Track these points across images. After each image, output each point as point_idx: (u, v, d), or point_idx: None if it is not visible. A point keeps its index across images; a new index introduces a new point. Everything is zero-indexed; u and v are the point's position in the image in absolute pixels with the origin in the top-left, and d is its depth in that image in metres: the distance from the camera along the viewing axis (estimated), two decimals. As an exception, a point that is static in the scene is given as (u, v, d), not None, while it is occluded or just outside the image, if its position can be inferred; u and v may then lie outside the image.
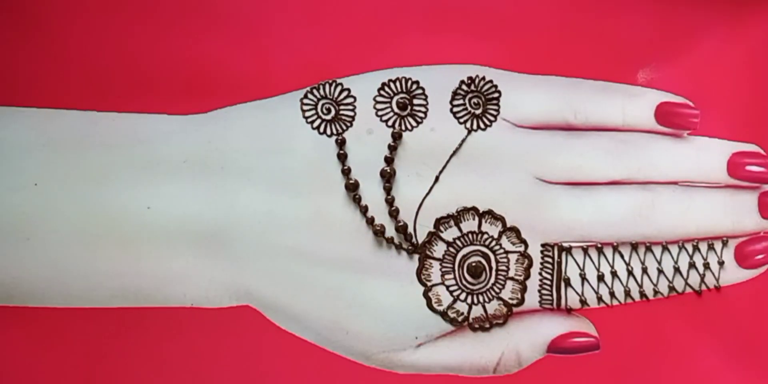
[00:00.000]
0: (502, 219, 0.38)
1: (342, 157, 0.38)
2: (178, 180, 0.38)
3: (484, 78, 0.38)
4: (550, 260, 0.39)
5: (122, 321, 0.37)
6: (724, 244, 0.39)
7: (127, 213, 0.37)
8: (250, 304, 0.38)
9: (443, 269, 0.38)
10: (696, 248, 0.39)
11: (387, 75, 0.38)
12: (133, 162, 0.37)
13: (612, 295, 0.39)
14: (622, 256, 0.39)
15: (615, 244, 0.39)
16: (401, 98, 0.38)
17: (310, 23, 0.38)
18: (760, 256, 0.39)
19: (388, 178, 0.38)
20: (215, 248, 0.37)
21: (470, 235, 0.38)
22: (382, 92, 0.38)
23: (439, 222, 0.38)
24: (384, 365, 0.38)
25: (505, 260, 0.38)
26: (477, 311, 0.38)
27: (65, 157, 0.37)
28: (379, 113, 0.38)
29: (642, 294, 0.39)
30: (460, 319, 0.38)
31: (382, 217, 0.38)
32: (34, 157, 0.37)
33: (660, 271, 0.39)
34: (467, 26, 0.38)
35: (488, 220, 0.38)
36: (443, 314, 0.38)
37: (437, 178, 0.38)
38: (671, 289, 0.39)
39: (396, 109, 0.38)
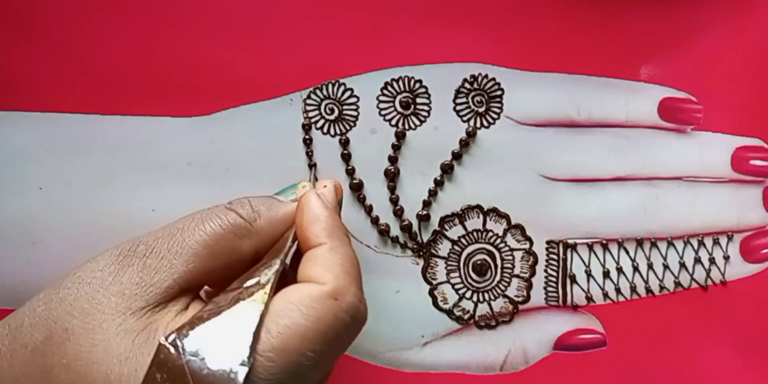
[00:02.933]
0: (506, 216, 0.38)
1: (346, 157, 0.38)
2: (182, 182, 0.38)
3: (486, 76, 0.38)
4: (555, 257, 0.39)
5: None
6: (729, 238, 0.39)
7: (131, 215, 0.37)
8: (257, 304, 0.38)
9: (448, 267, 0.38)
10: (701, 243, 0.39)
11: (390, 74, 0.38)
12: (138, 164, 0.37)
13: (618, 291, 0.39)
14: (627, 252, 0.39)
15: (620, 240, 0.39)
16: (404, 97, 0.38)
17: (312, 24, 0.38)
18: (765, 250, 0.39)
19: (392, 177, 0.38)
20: (221, 249, 0.37)
21: (475, 233, 0.38)
22: (385, 91, 0.38)
23: (444, 220, 0.38)
24: (391, 364, 0.38)
25: (510, 258, 0.39)
26: (483, 309, 0.39)
27: (70, 160, 0.37)
28: (383, 112, 0.38)
29: (648, 290, 0.39)
30: (466, 317, 0.38)
31: (386, 216, 0.38)
32: (39, 161, 0.37)
33: (665, 267, 0.39)
34: (469, 25, 0.38)
35: (493, 218, 0.38)
36: (449, 312, 0.38)
37: (441, 182, 0.38)
38: (677, 284, 0.39)
39: (399, 109, 0.38)
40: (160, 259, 0.29)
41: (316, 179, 0.38)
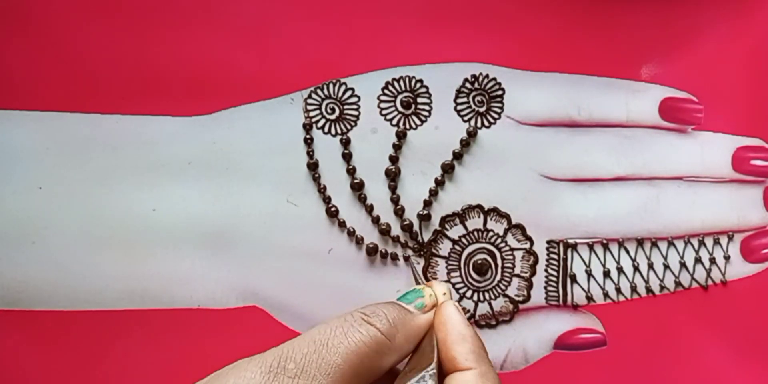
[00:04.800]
0: (507, 216, 0.38)
1: (347, 157, 0.38)
2: (182, 181, 0.37)
3: (487, 76, 0.38)
4: (555, 257, 0.39)
5: (129, 323, 0.37)
6: (730, 238, 0.39)
7: (132, 215, 0.37)
8: (257, 304, 0.38)
9: (449, 267, 0.38)
10: (702, 243, 0.39)
11: (391, 74, 0.38)
12: (138, 164, 0.37)
13: (618, 290, 0.39)
14: (627, 252, 0.39)
15: (620, 239, 0.39)
16: (405, 97, 0.38)
17: (314, 24, 0.38)
18: (766, 250, 0.39)
19: (393, 177, 0.38)
20: (221, 249, 0.37)
21: (476, 233, 0.38)
22: (386, 91, 0.38)
23: (445, 220, 0.38)
24: (391, 363, 0.38)
25: (510, 257, 0.39)
26: (483, 308, 0.39)
27: (69, 160, 0.37)
28: (384, 112, 0.38)
29: (648, 289, 0.39)
30: (466, 316, 0.38)
31: (387, 215, 0.38)
32: (39, 160, 0.37)
33: (666, 267, 0.39)
34: (470, 24, 0.38)
35: (493, 218, 0.38)
36: (450, 312, 0.38)
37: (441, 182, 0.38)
38: (677, 284, 0.39)
39: (400, 108, 0.38)
40: (311, 379, 0.27)
41: (424, 277, 0.38)
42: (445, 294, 0.33)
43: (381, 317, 0.30)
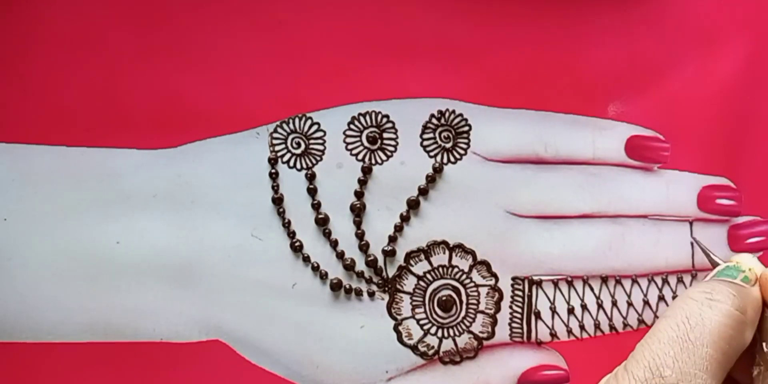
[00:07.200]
0: (472, 253, 0.38)
1: (312, 192, 0.38)
2: (147, 214, 0.37)
3: (454, 112, 0.38)
4: (520, 293, 0.39)
5: (91, 356, 0.37)
6: (693, 277, 0.39)
7: (96, 247, 0.37)
8: (220, 338, 0.38)
9: (414, 303, 0.38)
10: (665, 281, 0.39)
11: (357, 109, 0.38)
12: (103, 196, 0.37)
13: (582, 327, 0.39)
14: (592, 290, 0.39)
15: (585, 277, 0.39)
16: (371, 132, 0.38)
17: (280, 58, 0.38)
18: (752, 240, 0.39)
19: (357, 212, 0.38)
20: (185, 282, 0.37)
21: (441, 269, 0.38)
22: (352, 126, 0.38)
23: (410, 256, 0.38)
24: (355, 398, 0.38)
25: (475, 294, 0.39)
26: (447, 345, 0.39)
27: (35, 191, 0.37)
28: (349, 147, 0.38)
29: (611, 327, 0.39)
30: (430, 352, 0.38)
31: (352, 251, 0.38)
32: (4, 192, 0.37)
33: (629, 304, 0.39)
34: (437, 60, 0.38)
35: (459, 254, 0.38)
36: (414, 348, 0.38)
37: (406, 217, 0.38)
38: (640, 321, 0.39)
39: (366, 143, 0.38)
40: (693, 378, 0.26)
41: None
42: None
43: (724, 293, 0.29)
